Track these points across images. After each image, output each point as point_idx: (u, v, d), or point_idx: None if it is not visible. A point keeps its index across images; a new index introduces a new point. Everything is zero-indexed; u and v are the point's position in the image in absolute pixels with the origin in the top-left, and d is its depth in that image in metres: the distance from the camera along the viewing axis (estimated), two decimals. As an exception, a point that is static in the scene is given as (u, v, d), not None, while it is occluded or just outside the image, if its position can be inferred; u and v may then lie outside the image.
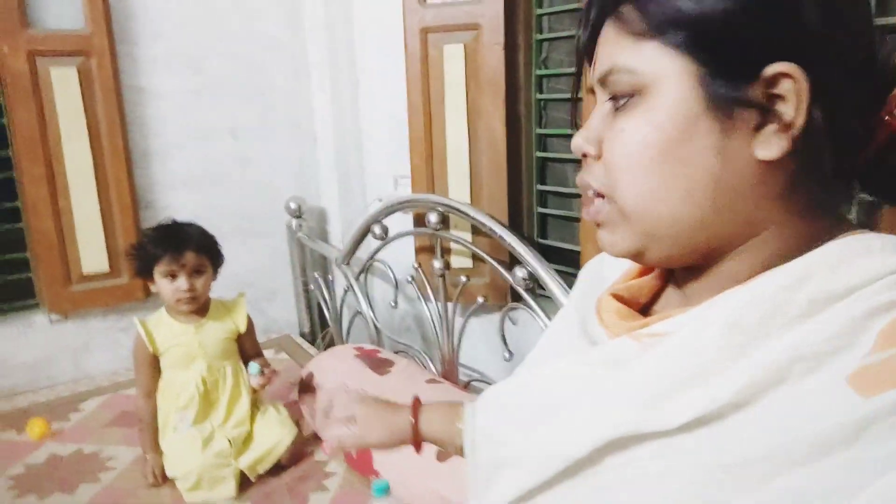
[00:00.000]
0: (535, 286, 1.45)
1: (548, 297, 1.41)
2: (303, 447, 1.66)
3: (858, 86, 0.44)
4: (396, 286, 1.97)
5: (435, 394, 1.55)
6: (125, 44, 2.10)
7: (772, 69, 0.42)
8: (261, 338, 1.84)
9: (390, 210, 1.88)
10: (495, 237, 1.53)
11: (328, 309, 2.33)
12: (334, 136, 2.37)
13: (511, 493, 0.54)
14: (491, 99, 1.72)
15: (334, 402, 0.80)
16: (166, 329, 1.58)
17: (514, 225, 1.78)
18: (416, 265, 1.86)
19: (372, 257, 2.00)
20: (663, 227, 0.47)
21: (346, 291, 2.16)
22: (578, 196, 1.69)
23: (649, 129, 0.46)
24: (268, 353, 2.03)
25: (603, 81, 0.48)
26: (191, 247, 1.53)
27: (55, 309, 2.09)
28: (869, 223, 0.50)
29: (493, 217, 1.58)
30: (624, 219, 0.49)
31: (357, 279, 2.07)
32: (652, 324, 0.49)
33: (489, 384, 1.76)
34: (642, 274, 0.58)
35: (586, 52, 0.51)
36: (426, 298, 1.82)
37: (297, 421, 1.69)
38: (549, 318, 1.44)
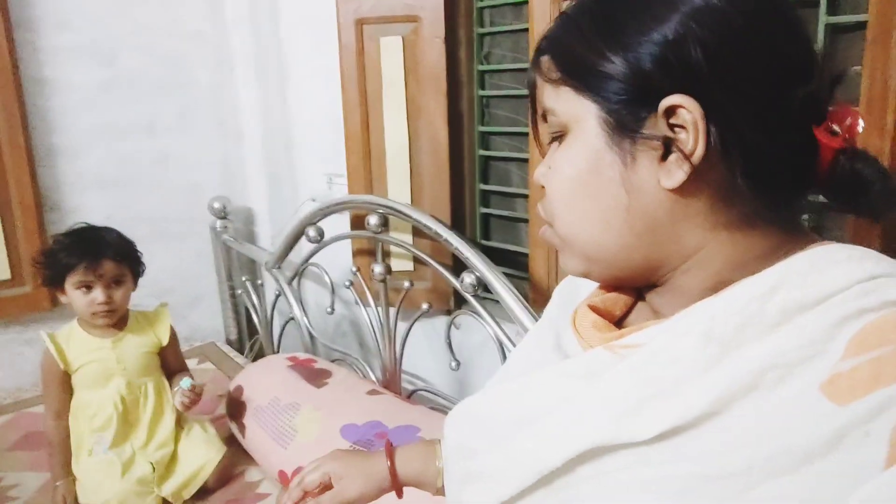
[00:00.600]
0: (482, 290, 1.40)
1: (495, 300, 1.35)
2: (231, 468, 1.54)
3: (780, 103, 0.45)
4: (333, 291, 1.87)
5: (378, 406, 1.47)
6: (25, 31, 1.92)
7: (665, 102, 0.45)
8: (183, 346, 1.72)
9: (327, 212, 1.79)
10: (440, 240, 1.47)
11: (257, 315, 2.21)
12: (262, 133, 2.25)
13: None
14: (432, 95, 1.65)
15: (304, 470, 0.78)
16: (79, 344, 1.43)
17: (457, 226, 1.72)
18: (354, 269, 1.77)
19: (307, 261, 1.90)
20: (593, 251, 0.52)
21: (277, 297, 2.05)
22: (523, 196, 1.65)
23: (567, 166, 0.51)
24: (191, 363, 1.90)
25: (544, 120, 0.54)
26: (109, 255, 1.39)
27: (-51, 321, 1.89)
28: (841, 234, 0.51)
29: (436, 219, 1.51)
30: (564, 244, 0.54)
31: (290, 284, 1.96)
32: (627, 335, 0.50)
33: (434, 393, 1.70)
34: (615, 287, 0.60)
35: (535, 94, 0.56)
36: (366, 304, 1.73)
37: (225, 438, 1.57)
38: (497, 322, 1.40)
